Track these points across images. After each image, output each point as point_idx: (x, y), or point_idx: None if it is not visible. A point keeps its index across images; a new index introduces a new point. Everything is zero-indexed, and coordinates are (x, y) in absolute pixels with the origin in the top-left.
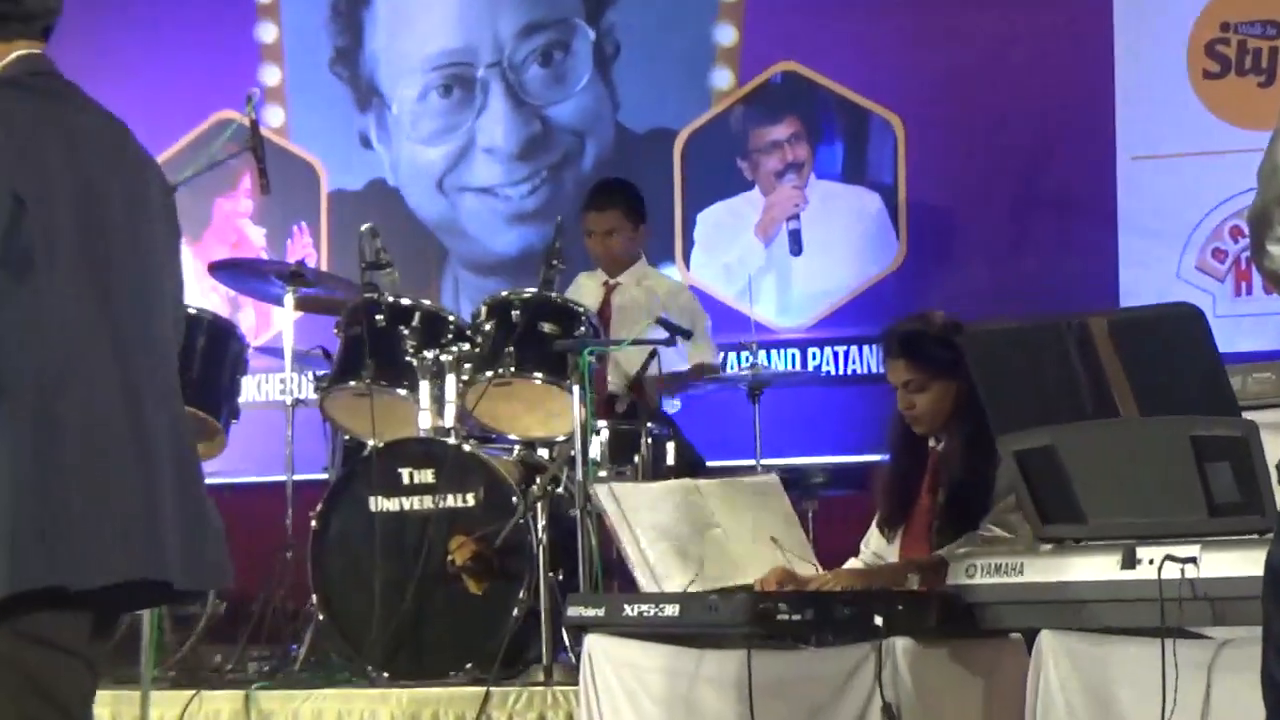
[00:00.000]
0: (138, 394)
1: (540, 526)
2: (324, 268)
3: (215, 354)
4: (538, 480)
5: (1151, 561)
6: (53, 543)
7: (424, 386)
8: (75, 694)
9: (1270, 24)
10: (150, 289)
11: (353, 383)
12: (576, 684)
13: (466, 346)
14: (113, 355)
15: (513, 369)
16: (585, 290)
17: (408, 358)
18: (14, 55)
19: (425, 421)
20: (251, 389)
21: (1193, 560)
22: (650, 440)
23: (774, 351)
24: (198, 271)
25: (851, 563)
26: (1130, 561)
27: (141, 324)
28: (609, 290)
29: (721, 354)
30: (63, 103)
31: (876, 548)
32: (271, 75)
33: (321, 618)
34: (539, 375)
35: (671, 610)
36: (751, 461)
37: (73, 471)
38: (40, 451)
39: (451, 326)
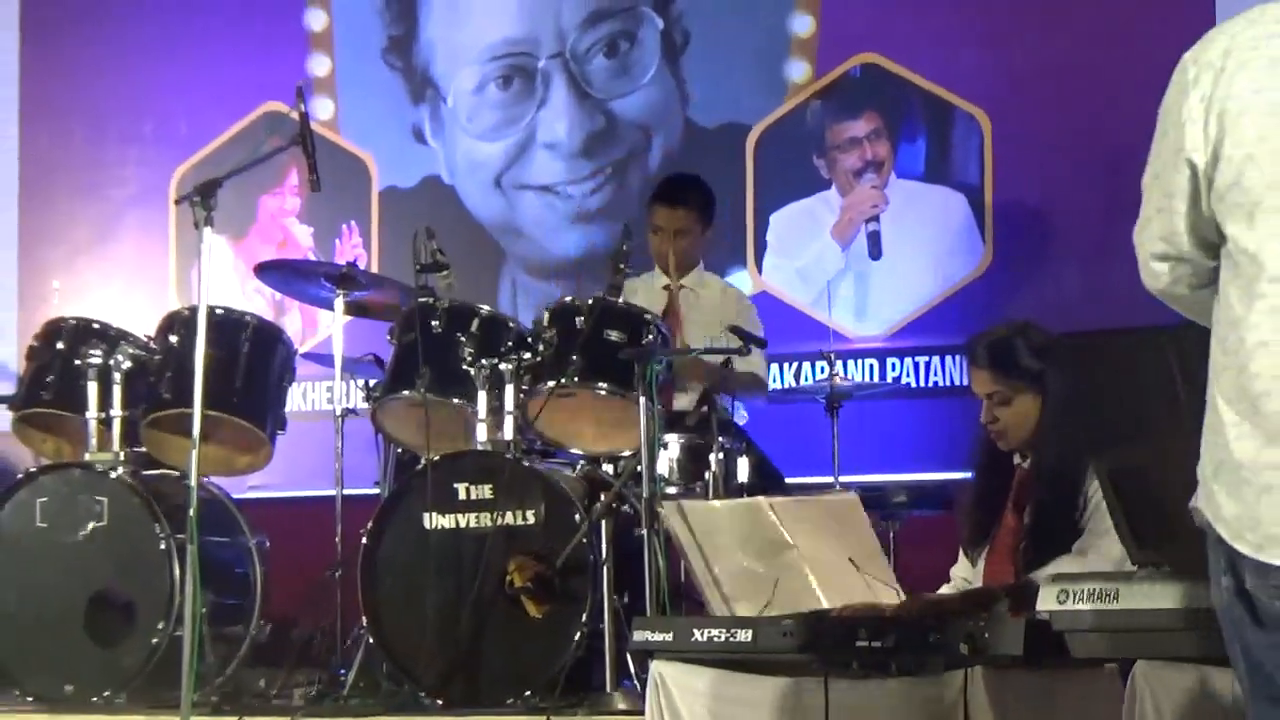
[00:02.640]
0: None
1: (604, 546)
2: (375, 269)
3: (261, 361)
4: (602, 497)
5: None
6: None
7: (482, 397)
8: None
9: None
10: None
11: (406, 392)
12: (641, 713)
13: (527, 355)
14: None
15: (576, 379)
16: (644, 294)
17: (465, 366)
18: None
19: (483, 434)
20: (298, 398)
21: None
22: (722, 455)
23: (852, 362)
24: (242, 272)
25: (944, 590)
26: None
27: None
28: (673, 295)
29: (795, 364)
30: None
31: (963, 572)
32: (321, 65)
33: (371, 641)
34: (604, 385)
35: (744, 635)
36: (829, 478)
37: None
38: None
39: (511, 333)
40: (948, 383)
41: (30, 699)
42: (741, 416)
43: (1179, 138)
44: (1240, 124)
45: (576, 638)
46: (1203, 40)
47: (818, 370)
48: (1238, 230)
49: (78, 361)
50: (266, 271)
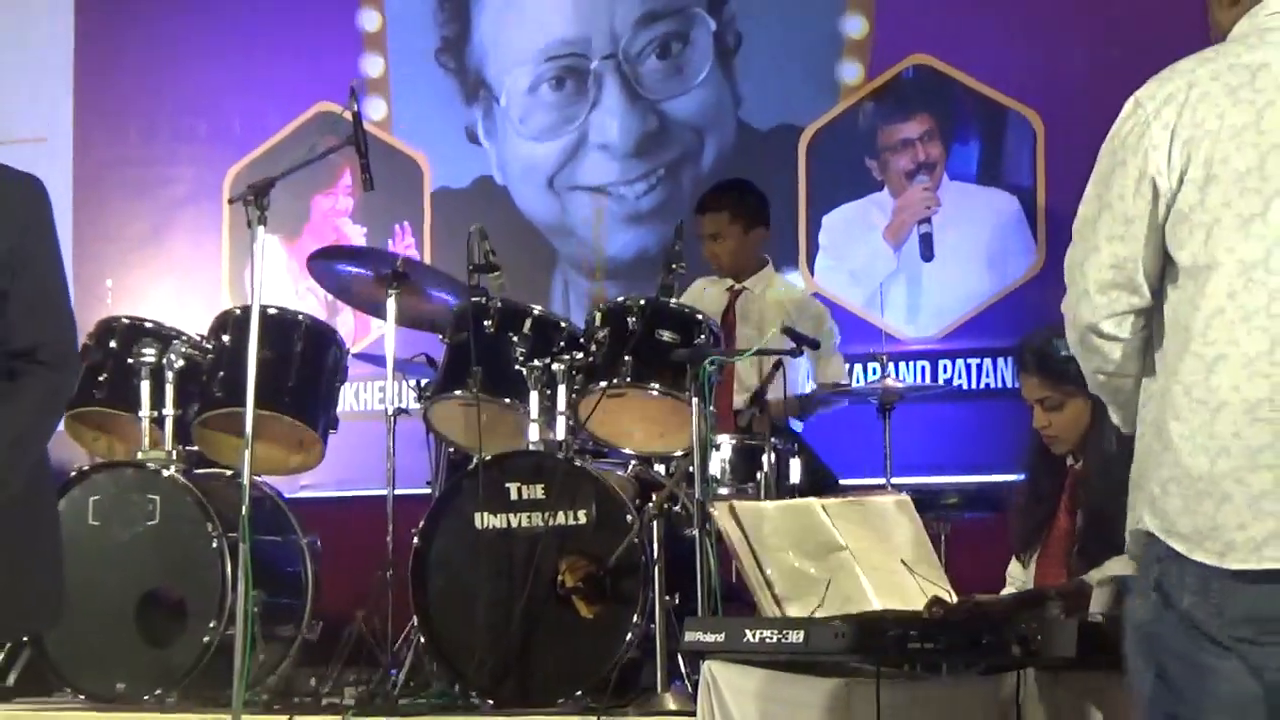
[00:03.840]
0: None
1: (656, 546)
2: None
3: (312, 360)
4: (653, 498)
5: None
6: None
7: (534, 397)
8: None
9: None
10: None
11: (458, 392)
12: (693, 713)
13: (579, 355)
14: None
15: (628, 379)
16: (707, 297)
17: (517, 366)
18: None
19: (535, 434)
20: (350, 398)
21: None
22: (774, 456)
23: (903, 364)
24: (295, 272)
25: (1005, 592)
26: None
27: None
28: (733, 296)
29: (848, 365)
30: None
31: (1016, 574)
32: (374, 65)
33: (422, 640)
34: (656, 386)
35: (796, 636)
36: (881, 480)
37: None
38: None
39: (563, 333)
40: (999, 385)
41: (82, 697)
42: (796, 420)
43: (1142, 164)
44: (1203, 148)
45: (628, 638)
46: (1157, 79)
47: (870, 372)
48: (1196, 248)
49: (130, 360)
50: (319, 260)
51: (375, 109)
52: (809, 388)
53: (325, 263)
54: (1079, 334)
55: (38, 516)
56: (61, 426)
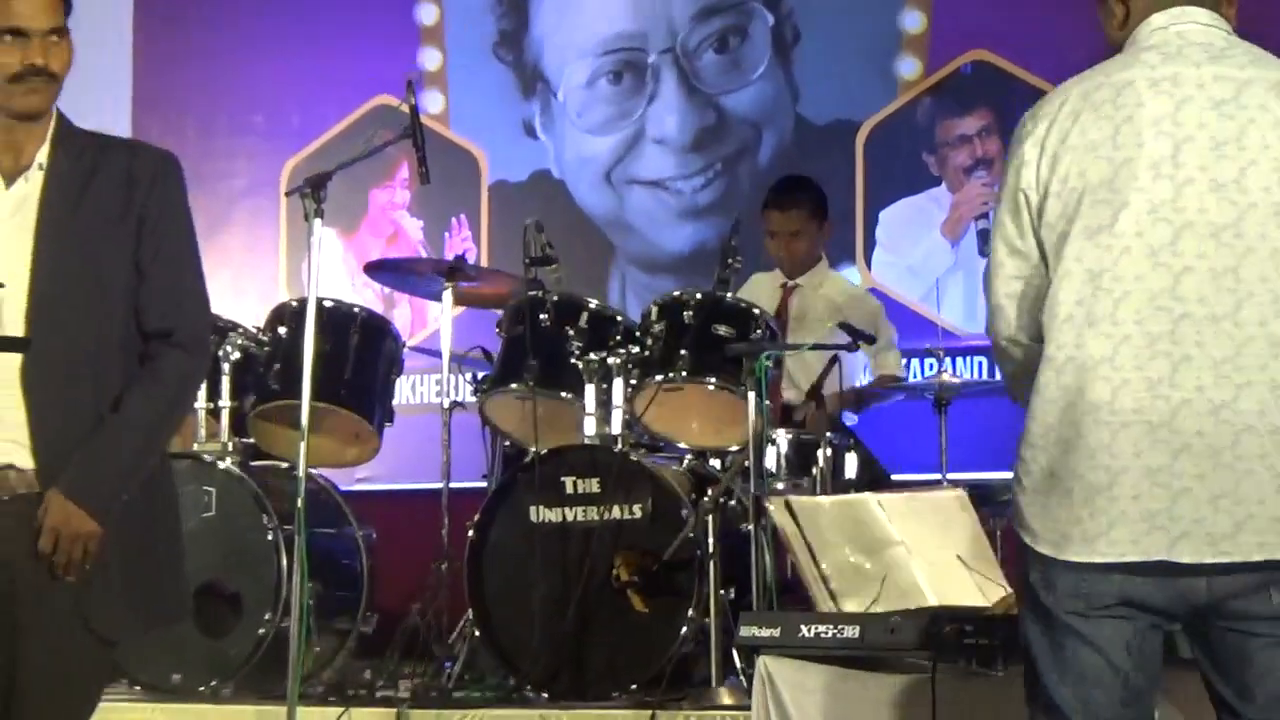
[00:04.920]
0: None
1: (711, 541)
2: (484, 263)
3: (369, 353)
4: (709, 492)
5: None
6: None
7: (590, 390)
8: None
9: None
10: None
11: (514, 385)
12: (747, 708)
13: (635, 349)
14: None
15: (684, 373)
16: (761, 291)
17: (573, 360)
18: None
19: (590, 428)
20: (407, 391)
21: None
22: (830, 451)
23: (960, 359)
24: (352, 265)
25: None
26: None
27: None
28: (787, 292)
29: (904, 360)
30: None
31: None
32: (432, 59)
33: (477, 633)
34: (712, 380)
35: (851, 631)
36: (937, 476)
37: None
38: None
39: (620, 327)
40: None
41: (138, 688)
42: (851, 416)
43: (1015, 180)
44: (1063, 162)
45: (682, 632)
46: (1042, 99)
47: (926, 367)
48: (1056, 258)
49: None
50: (376, 271)
51: (433, 102)
52: (864, 381)
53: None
54: (998, 348)
55: (165, 503)
56: None
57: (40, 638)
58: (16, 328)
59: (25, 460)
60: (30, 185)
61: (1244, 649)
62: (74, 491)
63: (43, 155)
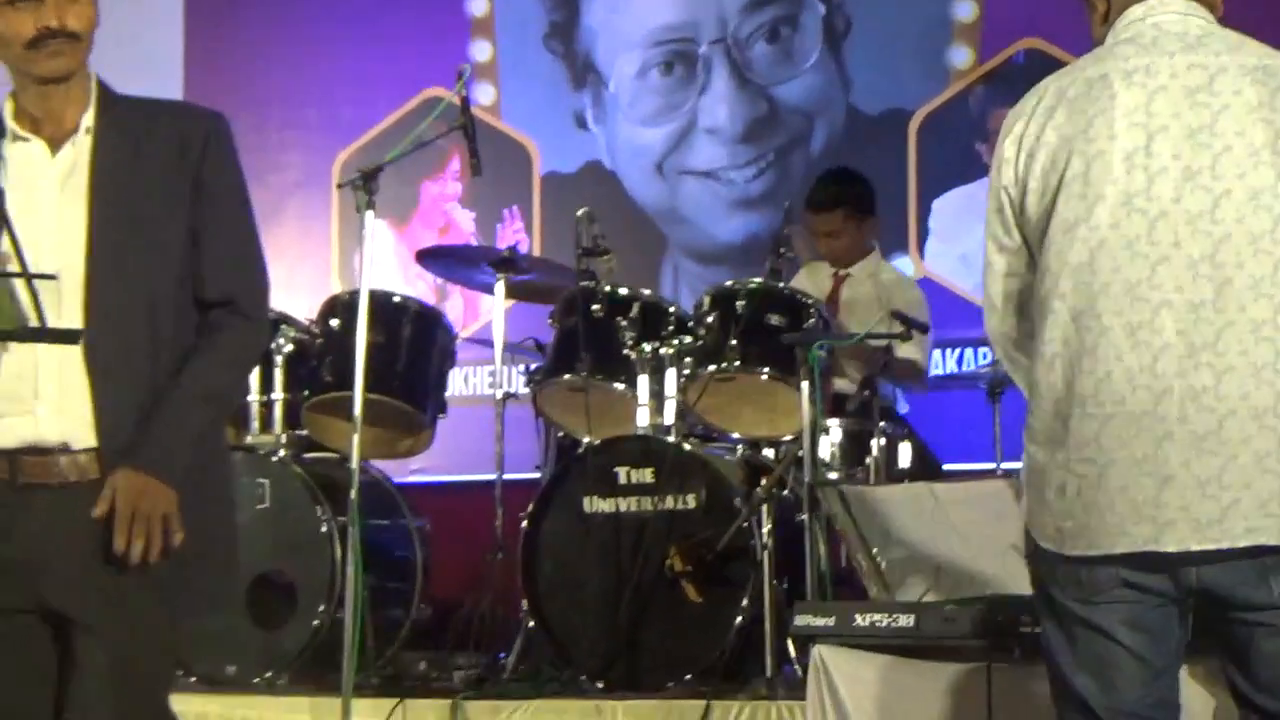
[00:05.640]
0: None
1: (765, 531)
2: (536, 254)
3: (422, 345)
4: (762, 482)
5: None
6: None
7: (642, 381)
8: None
9: None
10: None
11: (567, 376)
12: (802, 698)
13: (688, 339)
14: None
15: (737, 363)
16: (813, 280)
17: (626, 350)
18: None
19: (643, 418)
20: (459, 382)
21: None
22: (884, 441)
23: None
24: (404, 257)
25: None
26: None
27: None
28: (838, 281)
29: (958, 350)
30: None
31: None
32: (482, 51)
33: (532, 624)
34: (765, 370)
35: (906, 621)
36: (991, 465)
37: None
38: None
39: (672, 318)
40: None
41: (193, 679)
42: (904, 405)
43: (997, 179)
44: (1039, 158)
45: (736, 622)
46: (1024, 96)
47: (980, 356)
48: (1039, 254)
49: None
50: (429, 259)
51: (484, 94)
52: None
53: (435, 259)
54: (1000, 349)
55: (221, 480)
56: None
57: (113, 633)
58: (75, 302)
59: (86, 439)
60: (78, 150)
61: (1250, 638)
62: (147, 464)
63: (88, 119)
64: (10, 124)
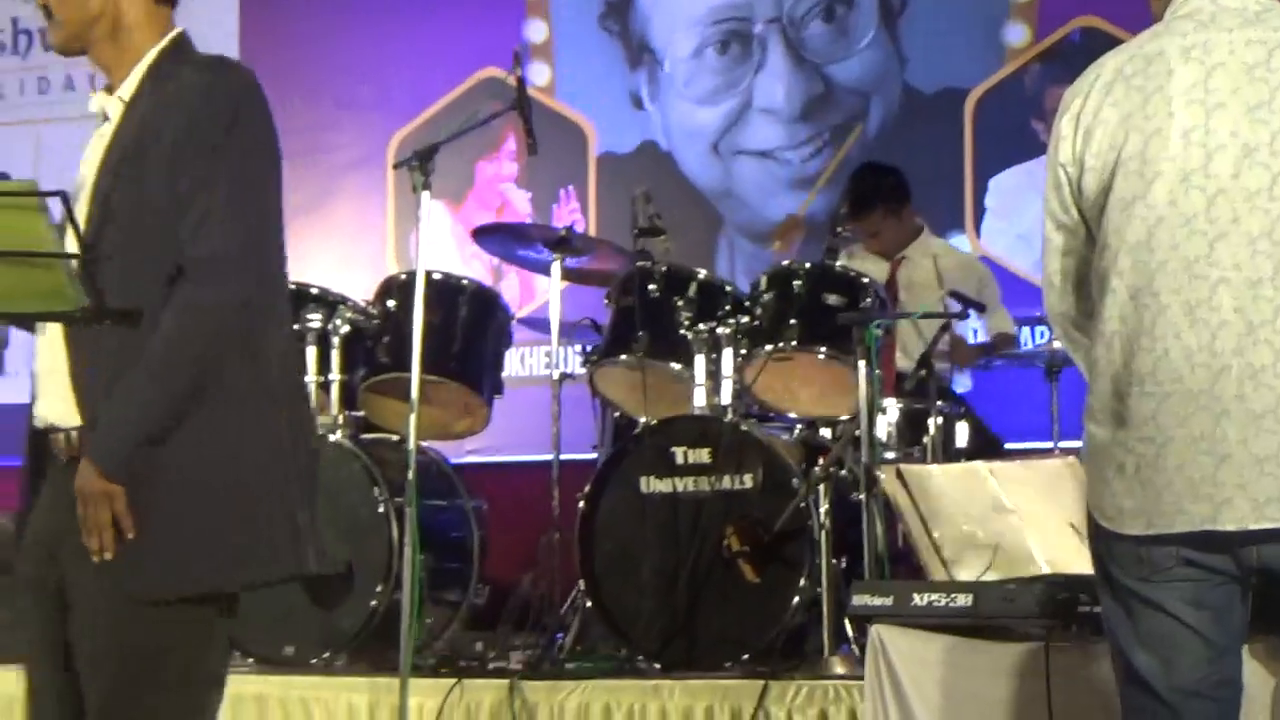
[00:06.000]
0: None
1: (822, 511)
2: (592, 235)
3: (478, 325)
4: (820, 462)
5: None
6: None
7: (699, 361)
8: None
9: None
10: None
11: (624, 356)
12: (859, 678)
13: (745, 319)
14: None
15: (794, 343)
16: (868, 263)
17: (682, 330)
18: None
19: (700, 398)
20: (516, 363)
21: None
22: (941, 420)
23: None
24: (460, 237)
25: None
26: None
27: None
28: (895, 263)
29: (1017, 328)
30: None
31: None
32: (538, 31)
33: (589, 604)
34: (823, 350)
35: (965, 600)
36: (1049, 444)
37: None
38: None
39: (729, 297)
40: None
41: (251, 660)
42: (963, 384)
43: (1054, 156)
44: (1096, 136)
45: (794, 602)
46: (1081, 75)
47: (1037, 335)
48: (1098, 232)
49: (296, 326)
50: (485, 236)
51: (539, 74)
52: (984, 341)
53: (491, 237)
54: (1059, 328)
55: (225, 453)
56: None
57: (79, 613)
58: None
59: (72, 418)
60: (112, 123)
61: None
62: (95, 456)
63: (125, 89)
64: (96, 97)
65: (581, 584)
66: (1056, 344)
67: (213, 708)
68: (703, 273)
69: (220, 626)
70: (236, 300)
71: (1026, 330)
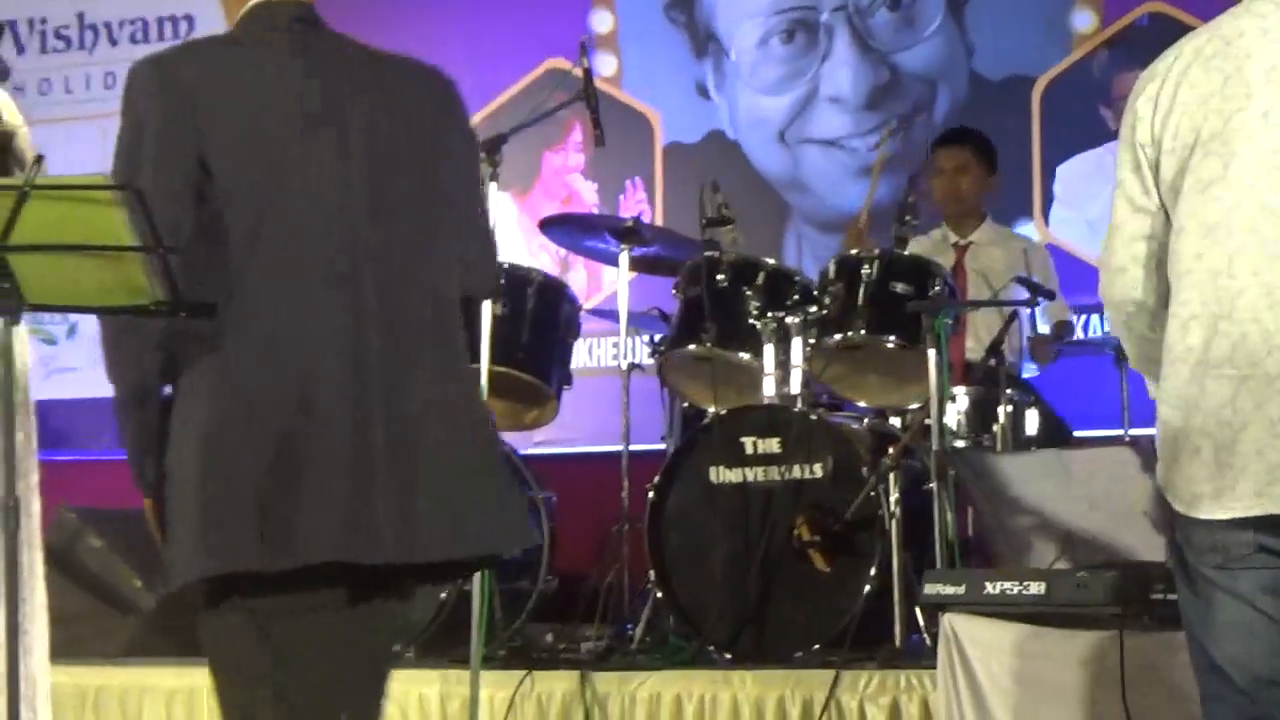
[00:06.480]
0: None
1: (893, 500)
2: (659, 224)
3: (546, 316)
4: (890, 450)
5: None
6: None
7: (768, 350)
8: None
9: None
10: None
11: (692, 346)
12: (931, 667)
13: (813, 308)
14: None
15: (863, 331)
16: (935, 251)
17: (751, 320)
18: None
19: (770, 388)
20: (584, 354)
21: None
22: (1011, 408)
23: None
24: (527, 228)
25: None
26: None
27: None
28: (960, 250)
29: (1084, 316)
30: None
31: None
32: (603, 22)
33: (659, 595)
34: (891, 338)
35: (1037, 588)
36: (1119, 431)
37: None
38: None
39: (797, 286)
40: None
41: None
42: (1030, 370)
43: (1131, 138)
44: (1173, 117)
45: (865, 591)
46: (1159, 57)
47: (1106, 322)
48: (1174, 214)
49: None
50: (552, 227)
51: (605, 65)
52: (1045, 330)
53: (558, 228)
54: (1122, 314)
55: (220, 451)
56: None
57: None
58: None
59: None
60: None
61: None
62: None
63: None
64: None
65: (652, 574)
66: None
67: (257, 703)
68: (771, 262)
69: (247, 622)
70: (124, 326)
71: (1095, 317)
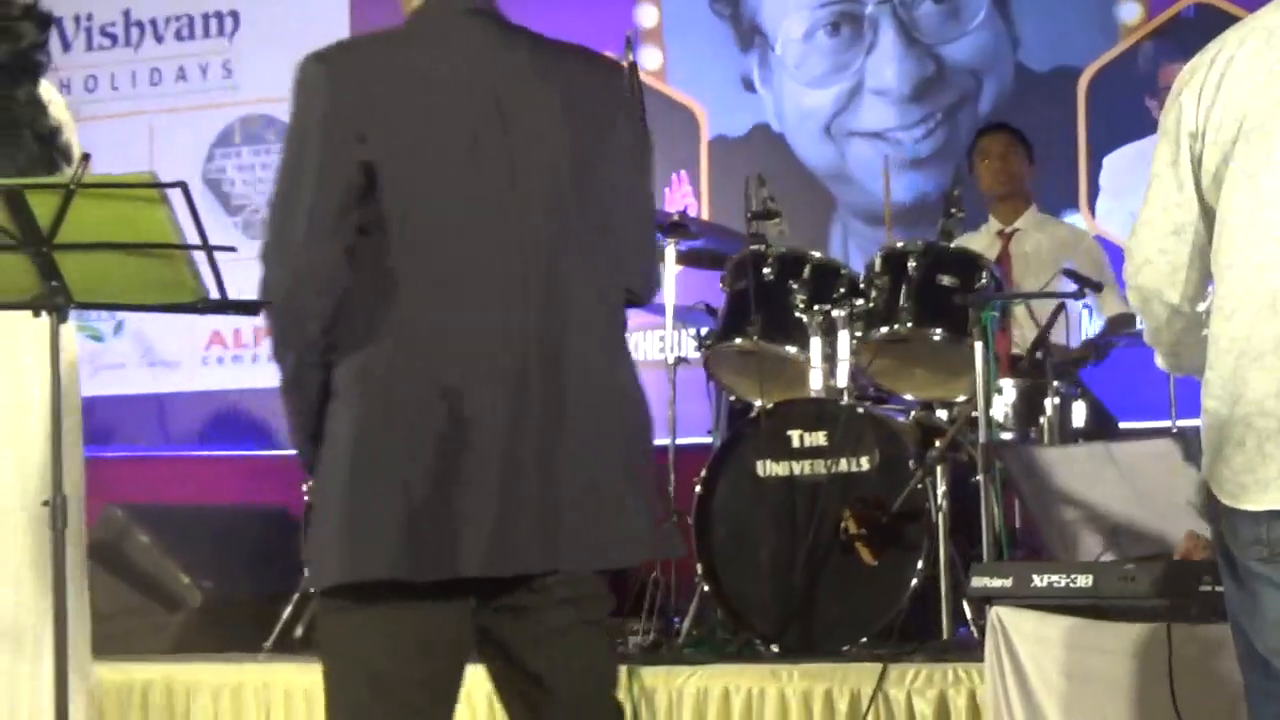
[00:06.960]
0: None
1: (940, 492)
2: (705, 218)
3: None
4: (936, 443)
5: None
6: None
7: (815, 343)
8: None
9: None
10: None
11: (739, 340)
12: (979, 660)
13: (860, 301)
14: None
15: (910, 324)
16: (980, 242)
17: (797, 313)
18: None
19: (816, 381)
20: (630, 347)
21: None
22: (1058, 400)
23: None
24: None
25: None
26: None
27: None
28: (1006, 240)
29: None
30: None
31: None
32: (648, 15)
33: (706, 589)
34: (938, 331)
35: (1085, 581)
36: (1167, 423)
37: None
38: None
39: (844, 279)
40: None
41: None
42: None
43: (1175, 130)
44: (1217, 109)
45: (912, 584)
46: (1202, 50)
47: None
48: (1217, 205)
49: None
50: None
51: (651, 58)
52: (1096, 325)
53: None
54: (1143, 299)
55: (333, 453)
56: None
57: None
58: None
59: None
60: None
61: None
62: None
63: None
64: None
65: (698, 568)
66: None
67: (362, 699)
68: (817, 255)
69: (357, 619)
70: (276, 322)
71: None
